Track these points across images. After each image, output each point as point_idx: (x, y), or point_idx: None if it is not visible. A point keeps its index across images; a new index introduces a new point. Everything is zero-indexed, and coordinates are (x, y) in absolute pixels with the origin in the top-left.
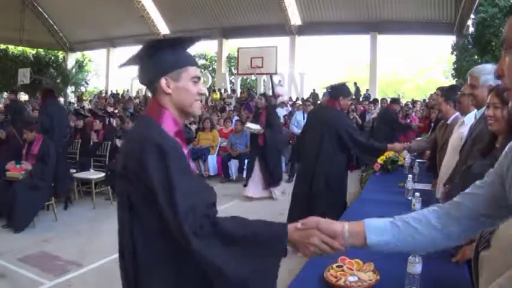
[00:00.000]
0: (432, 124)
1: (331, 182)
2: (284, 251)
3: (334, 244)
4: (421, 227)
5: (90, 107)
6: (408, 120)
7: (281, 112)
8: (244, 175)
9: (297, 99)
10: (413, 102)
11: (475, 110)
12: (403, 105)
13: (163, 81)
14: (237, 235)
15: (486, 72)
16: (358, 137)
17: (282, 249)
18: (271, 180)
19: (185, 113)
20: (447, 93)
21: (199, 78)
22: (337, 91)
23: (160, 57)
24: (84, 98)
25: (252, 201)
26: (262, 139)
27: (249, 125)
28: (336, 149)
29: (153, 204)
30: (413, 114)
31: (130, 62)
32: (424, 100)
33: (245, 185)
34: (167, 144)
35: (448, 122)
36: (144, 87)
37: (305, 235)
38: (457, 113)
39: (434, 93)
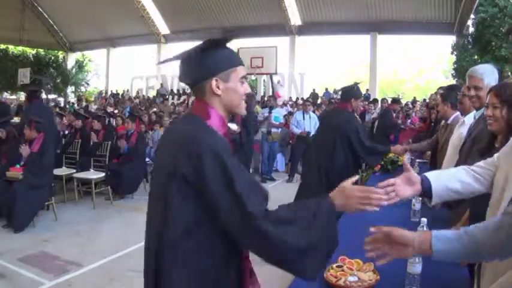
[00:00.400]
0: (432, 124)
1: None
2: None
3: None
4: (483, 236)
5: (95, 107)
6: (408, 121)
7: (281, 112)
8: None
9: (297, 99)
10: (414, 102)
11: (475, 110)
12: (403, 105)
13: (213, 82)
14: (294, 216)
15: (489, 73)
16: (365, 140)
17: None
18: None
19: (231, 114)
20: (445, 94)
21: (246, 77)
22: (349, 93)
23: (210, 57)
24: (89, 99)
25: None
26: (238, 138)
27: None
28: (348, 156)
29: (196, 206)
30: (414, 114)
31: (174, 59)
32: (425, 100)
33: None
34: (220, 146)
35: (449, 121)
36: (144, 87)
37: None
38: (457, 113)
39: (435, 93)
